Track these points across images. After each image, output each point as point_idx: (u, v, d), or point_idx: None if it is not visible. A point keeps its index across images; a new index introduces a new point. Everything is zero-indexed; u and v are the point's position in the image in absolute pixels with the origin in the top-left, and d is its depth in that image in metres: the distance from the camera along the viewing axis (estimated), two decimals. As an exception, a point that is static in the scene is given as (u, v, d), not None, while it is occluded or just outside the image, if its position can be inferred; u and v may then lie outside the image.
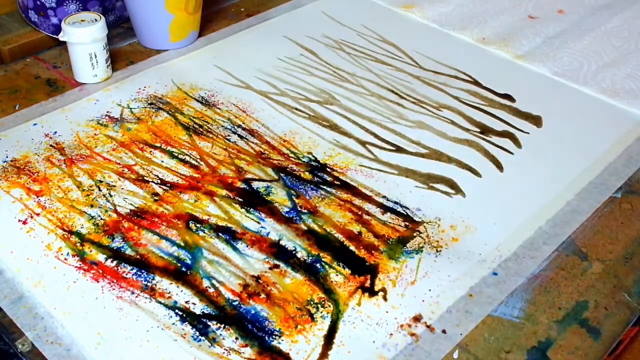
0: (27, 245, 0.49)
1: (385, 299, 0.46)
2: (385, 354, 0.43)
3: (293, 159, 0.58)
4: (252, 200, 0.54)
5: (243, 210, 0.53)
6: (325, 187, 0.55)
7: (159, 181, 0.55)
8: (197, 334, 0.43)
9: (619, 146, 0.62)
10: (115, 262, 0.48)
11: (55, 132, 0.60)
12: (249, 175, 0.56)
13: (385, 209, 0.54)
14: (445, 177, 0.57)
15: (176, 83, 0.68)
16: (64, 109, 0.64)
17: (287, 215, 0.53)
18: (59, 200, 0.53)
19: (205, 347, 0.43)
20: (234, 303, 0.45)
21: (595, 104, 0.67)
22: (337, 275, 0.48)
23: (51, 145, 0.59)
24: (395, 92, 0.68)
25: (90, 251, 0.49)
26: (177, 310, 0.45)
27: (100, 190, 0.54)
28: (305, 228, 0.51)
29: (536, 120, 0.65)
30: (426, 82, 0.70)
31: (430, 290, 0.47)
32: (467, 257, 0.50)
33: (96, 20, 0.65)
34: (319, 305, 0.46)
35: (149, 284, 0.47)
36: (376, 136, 0.62)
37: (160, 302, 0.45)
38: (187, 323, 0.44)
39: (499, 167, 0.59)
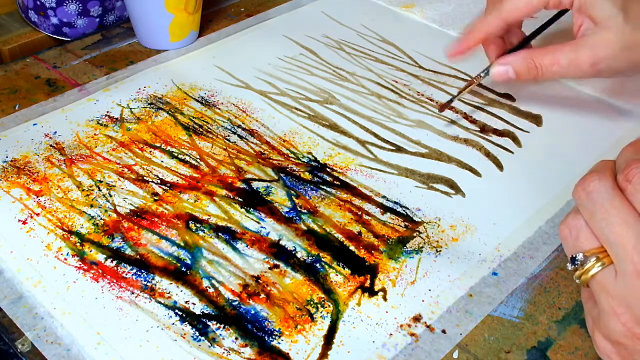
0: (27, 245, 0.49)
1: (385, 299, 0.46)
2: (385, 354, 0.43)
3: (293, 159, 0.58)
4: (252, 200, 0.54)
5: (243, 210, 0.53)
6: (325, 187, 0.55)
7: (158, 181, 0.55)
8: (197, 334, 0.43)
9: (619, 146, 0.61)
10: (115, 262, 0.48)
11: (55, 132, 0.61)
12: (248, 175, 0.56)
13: (385, 209, 0.54)
14: (445, 177, 0.57)
15: (176, 83, 0.68)
16: (64, 109, 0.64)
17: (287, 215, 0.53)
18: (59, 200, 0.53)
19: (205, 347, 0.43)
20: (233, 303, 0.45)
21: (595, 103, 0.67)
22: (337, 275, 0.48)
23: (51, 145, 0.59)
24: (395, 91, 0.68)
25: (90, 251, 0.49)
26: (176, 310, 0.45)
27: (100, 190, 0.54)
28: (305, 228, 0.51)
29: (536, 119, 0.65)
30: (426, 81, 0.70)
31: (430, 290, 0.47)
32: (467, 257, 0.50)
33: None
34: (319, 305, 0.46)
35: (148, 284, 0.47)
36: (376, 136, 0.62)
37: (160, 302, 0.45)
38: (187, 323, 0.44)
39: (499, 166, 0.59)
